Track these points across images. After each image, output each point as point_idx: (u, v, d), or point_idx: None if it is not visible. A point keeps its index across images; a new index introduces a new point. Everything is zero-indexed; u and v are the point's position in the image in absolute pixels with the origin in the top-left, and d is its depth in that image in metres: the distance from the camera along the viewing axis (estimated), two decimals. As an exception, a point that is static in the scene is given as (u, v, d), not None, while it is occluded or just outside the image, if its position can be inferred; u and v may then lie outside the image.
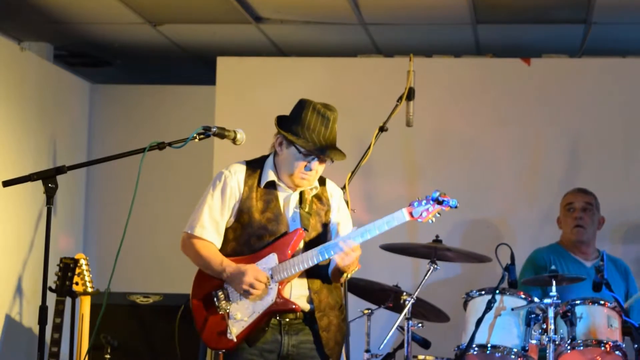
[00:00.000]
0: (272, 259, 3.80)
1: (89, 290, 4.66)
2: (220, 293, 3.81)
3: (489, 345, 4.49)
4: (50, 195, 3.50)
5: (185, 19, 6.01)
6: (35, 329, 5.45)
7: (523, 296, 4.56)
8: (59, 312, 4.51)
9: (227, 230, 3.91)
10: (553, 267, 4.60)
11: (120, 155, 3.70)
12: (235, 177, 3.90)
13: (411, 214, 3.81)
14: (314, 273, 3.87)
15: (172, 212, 6.54)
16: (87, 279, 4.67)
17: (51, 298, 3.89)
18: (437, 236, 4.85)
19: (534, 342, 4.48)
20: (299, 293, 3.84)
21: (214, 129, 3.77)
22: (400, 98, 4.57)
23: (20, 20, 5.99)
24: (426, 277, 4.68)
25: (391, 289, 4.91)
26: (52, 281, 4.40)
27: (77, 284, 4.65)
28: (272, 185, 3.90)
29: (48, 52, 6.51)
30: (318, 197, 3.95)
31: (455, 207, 3.80)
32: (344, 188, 4.08)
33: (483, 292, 4.62)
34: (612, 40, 6.18)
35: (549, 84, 6.20)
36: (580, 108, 6.14)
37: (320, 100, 3.93)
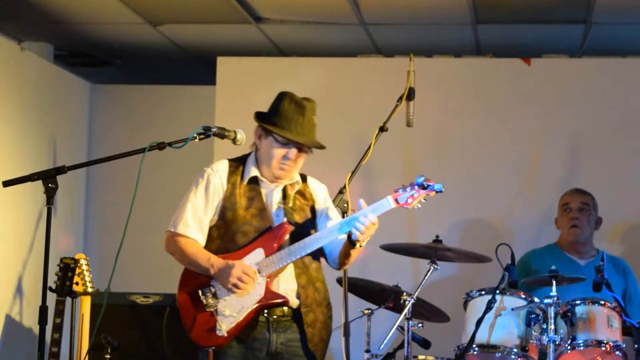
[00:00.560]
0: (258, 253, 3.82)
1: (89, 290, 4.65)
2: (207, 290, 3.82)
3: (489, 345, 4.49)
4: (50, 195, 3.50)
5: (185, 19, 6.01)
6: (35, 329, 5.45)
7: (523, 296, 4.56)
8: (59, 312, 4.50)
9: (211, 229, 3.93)
10: (553, 267, 4.60)
11: (120, 155, 3.70)
12: (218, 175, 3.92)
13: (397, 201, 3.83)
14: (302, 268, 3.89)
15: (172, 212, 6.52)
16: (87, 279, 4.67)
17: (51, 298, 3.89)
18: (437, 236, 4.85)
19: (534, 342, 4.48)
20: (287, 288, 3.86)
21: (214, 129, 3.78)
22: (400, 98, 4.57)
23: (20, 20, 5.99)
24: (426, 277, 4.68)
25: (391, 289, 4.91)
26: (52, 281, 4.39)
27: (77, 284, 4.64)
28: (255, 181, 3.93)
29: (48, 52, 6.51)
30: (301, 193, 3.98)
31: (440, 191, 3.82)
32: (344, 188, 4.08)
33: (483, 292, 4.62)
34: (612, 40, 6.18)
35: (549, 84, 6.19)
36: (580, 108, 6.14)
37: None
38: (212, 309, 3.80)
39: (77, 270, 4.65)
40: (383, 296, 4.95)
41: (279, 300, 3.81)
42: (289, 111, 3.88)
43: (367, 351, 4.95)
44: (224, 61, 6.47)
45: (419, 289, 4.63)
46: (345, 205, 4.08)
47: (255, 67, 6.45)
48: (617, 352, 4.44)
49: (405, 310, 4.59)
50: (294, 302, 3.87)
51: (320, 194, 4.06)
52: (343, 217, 3.99)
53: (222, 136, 3.82)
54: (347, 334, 3.97)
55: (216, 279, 3.81)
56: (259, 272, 3.79)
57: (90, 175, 6.94)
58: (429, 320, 4.90)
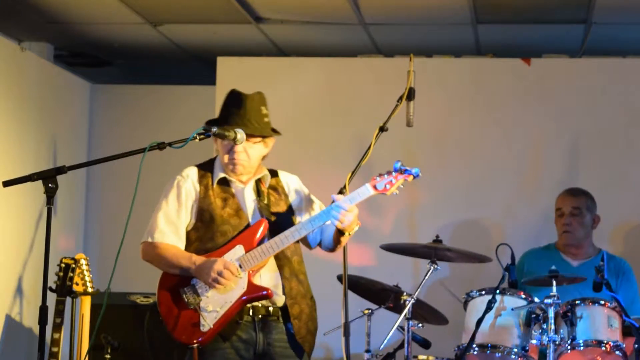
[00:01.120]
0: (238, 250, 3.84)
1: (89, 290, 4.65)
2: (188, 289, 3.84)
3: (489, 345, 4.49)
4: (50, 195, 3.49)
5: (185, 19, 6.01)
6: (35, 329, 5.46)
7: (523, 296, 4.56)
8: (59, 312, 4.50)
9: (188, 232, 3.96)
10: (553, 267, 4.60)
11: (120, 156, 3.70)
12: (190, 179, 3.97)
13: (375, 187, 3.87)
14: (284, 261, 3.91)
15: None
16: (87, 279, 4.66)
17: (51, 298, 3.88)
18: (437, 236, 4.85)
19: (534, 342, 4.48)
20: (271, 282, 3.88)
21: (214, 129, 3.78)
22: (401, 98, 4.56)
23: (20, 20, 5.99)
24: (426, 277, 4.68)
25: (391, 289, 4.91)
26: (52, 281, 4.39)
27: (77, 284, 4.64)
28: (225, 182, 3.97)
29: (48, 52, 6.51)
30: (274, 188, 4.02)
31: (418, 175, 3.84)
32: (344, 188, 4.08)
33: (483, 292, 4.62)
34: (612, 40, 6.18)
35: (549, 84, 6.19)
36: (580, 108, 6.14)
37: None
38: (194, 306, 3.81)
39: (77, 270, 4.65)
40: (383, 296, 4.95)
41: (262, 293, 3.83)
42: (228, 107, 3.94)
43: (367, 351, 4.95)
44: (224, 61, 6.47)
45: (419, 289, 4.63)
46: (346, 205, 4.07)
47: (255, 67, 6.45)
48: (617, 352, 4.44)
49: (405, 311, 4.59)
50: (279, 300, 3.89)
51: (292, 184, 4.09)
52: None
53: (222, 136, 3.83)
54: (347, 334, 3.96)
55: (197, 275, 3.83)
56: (240, 267, 3.81)
57: (90, 175, 6.94)
58: (428, 322, 4.90)
